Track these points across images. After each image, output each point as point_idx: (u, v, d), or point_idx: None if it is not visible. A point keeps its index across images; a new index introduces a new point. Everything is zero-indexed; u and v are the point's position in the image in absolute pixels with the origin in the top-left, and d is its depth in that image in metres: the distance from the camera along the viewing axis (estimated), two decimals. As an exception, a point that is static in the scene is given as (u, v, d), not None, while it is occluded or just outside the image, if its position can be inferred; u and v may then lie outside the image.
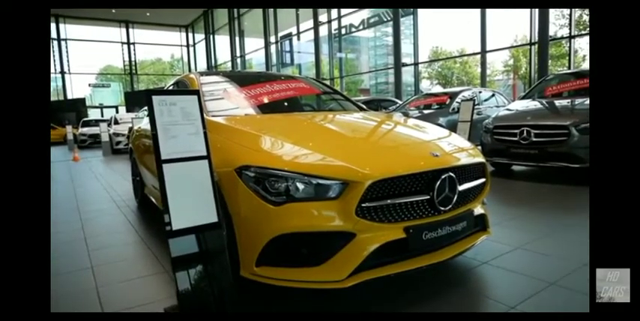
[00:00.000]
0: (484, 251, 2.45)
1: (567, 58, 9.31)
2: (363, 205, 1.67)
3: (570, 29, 9.79)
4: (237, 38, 21.76)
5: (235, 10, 21.13)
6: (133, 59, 26.30)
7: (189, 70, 28.00)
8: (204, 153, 1.79)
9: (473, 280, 2.13)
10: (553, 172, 5.19)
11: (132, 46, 25.94)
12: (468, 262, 2.33)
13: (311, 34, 18.08)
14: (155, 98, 1.72)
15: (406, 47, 13.91)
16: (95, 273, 2.41)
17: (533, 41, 9.12)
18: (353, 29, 18.85)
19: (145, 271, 2.42)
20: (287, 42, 20.40)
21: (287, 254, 1.72)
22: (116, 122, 12.97)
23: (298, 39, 20.43)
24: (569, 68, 9.28)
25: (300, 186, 1.68)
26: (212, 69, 24.69)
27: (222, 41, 23.81)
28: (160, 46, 28.22)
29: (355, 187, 1.65)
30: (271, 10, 18.82)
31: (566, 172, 4.84)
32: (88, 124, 16.38)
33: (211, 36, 24.21)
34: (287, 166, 1.73)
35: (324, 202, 1.67)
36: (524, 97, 5.73)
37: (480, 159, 2.14)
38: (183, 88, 2.98)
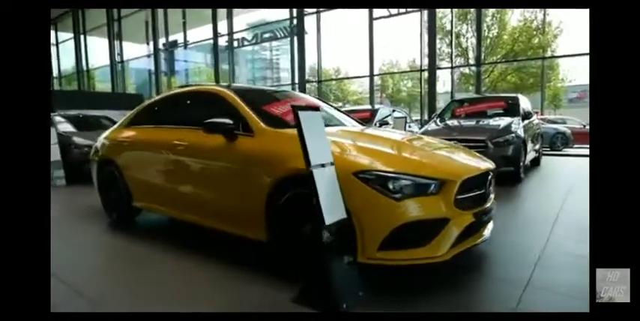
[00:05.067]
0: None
1: (450, 84, 11.63)
2: (457, 197, 2.26)
3: (452, 61, 12.28)
4: (116, 42, 20.01)
5: (115, 11, 19.47)
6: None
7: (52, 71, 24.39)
8: (331, 160, 2.16)
9: (485, 257, 2.85)
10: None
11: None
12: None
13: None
14: (301, 114, 2.05)
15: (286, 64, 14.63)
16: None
17: (423, 68, 10.99)
18: (246, 42, 19.21)
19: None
20: (174, 50, 19.72)
21: (402, 239, 2.18)
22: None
23: (185, 47, 19.91)
24: (451, 93, 11.47)
25: (413, 185, 2.17)
26: (83, 73, 22.05)
27: (95, 43, 21.52)
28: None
29: (450, 185, 2.22)
30: (161, 15, 17.96)
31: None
32: None
33: (82, 36, 21.65)
34: (400, 169, 2.21)
35: (430, 196, 2.20)
36: (439, 117, 7.02)
37: (493, 164, 2.92)
38: (217, 102, 3.06)
